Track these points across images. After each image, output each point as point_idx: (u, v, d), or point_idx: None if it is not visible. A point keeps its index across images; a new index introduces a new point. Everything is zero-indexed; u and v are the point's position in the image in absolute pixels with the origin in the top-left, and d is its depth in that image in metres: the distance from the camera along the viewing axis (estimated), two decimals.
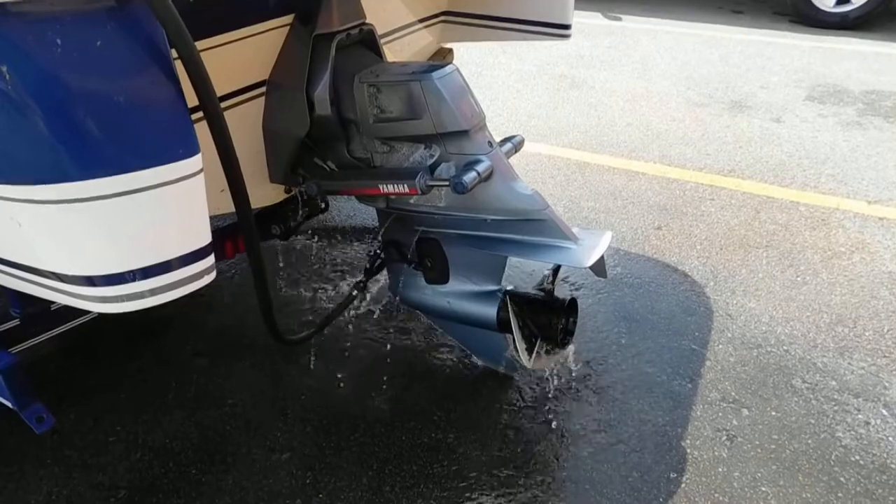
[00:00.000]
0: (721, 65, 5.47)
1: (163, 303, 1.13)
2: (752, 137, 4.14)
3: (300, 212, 2.25)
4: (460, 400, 2.16)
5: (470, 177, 1.73)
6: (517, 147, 2.06)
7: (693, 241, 3.06)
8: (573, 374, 2.26)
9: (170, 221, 1.11)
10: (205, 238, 1.16)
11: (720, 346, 2.41)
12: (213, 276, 1.19)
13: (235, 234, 2.17)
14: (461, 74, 1.87)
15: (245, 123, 1.92)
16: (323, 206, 2.32)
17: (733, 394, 2.20)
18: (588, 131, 4.25)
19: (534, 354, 1.97)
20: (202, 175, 1.12)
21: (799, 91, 4.89)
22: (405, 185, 1.82)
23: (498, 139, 2.01)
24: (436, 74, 1.78)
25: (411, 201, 1.96)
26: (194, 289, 1.16)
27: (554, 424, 2.09)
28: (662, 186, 3.56)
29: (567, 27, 2.75)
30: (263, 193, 2.11)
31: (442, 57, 2.97)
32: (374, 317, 2.53)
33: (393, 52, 2.50)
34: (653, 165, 3.79)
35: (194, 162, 1.11)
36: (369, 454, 1.96)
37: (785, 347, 2.41)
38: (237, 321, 2.50)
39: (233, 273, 2.80)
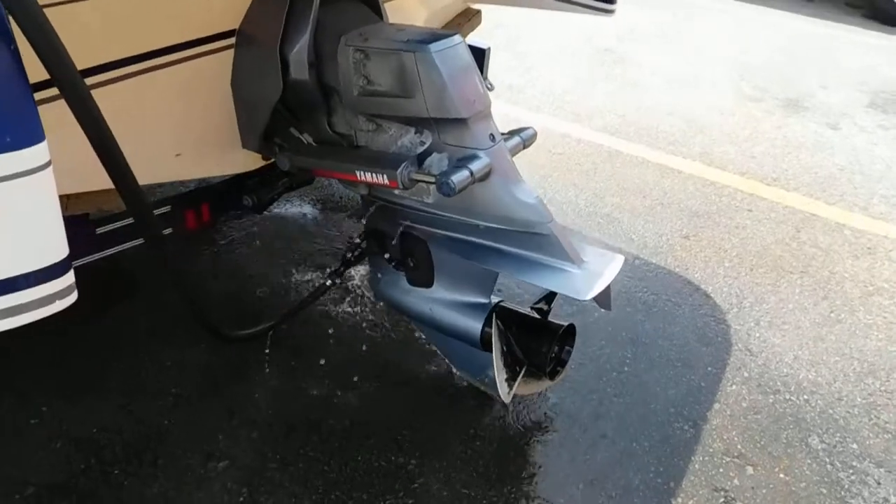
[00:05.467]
0: (781, 55, 5.02)
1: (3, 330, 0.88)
2: (803, 143, 3.76)
3: (278, 183, 1.99)
4: (432, 418, 1.92)
5: (460, 177, 1.45)
6: (527, 142, 1.75)
7: (722, 257, 2.75)
8: (562, 402, 2.00)
9: (5, 230, 0.85)
10: (60, 251, 0.90)
11: (733, 387, 2.13)
12: (73, 297, 0.94)
13: (199, 202, 1.92)
14: (468, 49, 1.56)
15: (212, 78, 1.65)
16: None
17: (739, 446, 1.93)
18: (626, 115, 3.90)
19: (514, 385, 1.71)
20: (50, 170, 0.86)
21: (861, 95, 4.45)
22: (385, 176, 1.55)
23: (507, 128, 1.72)
24: (435, 46, 1.48)
25: (396, 192, 1.68)
26: (48, 314, 0.91)
27: (530, 461, 1.84)
28: (698, 188, 3.23)
29: (612, 1, 2.40)
30: (235, 159, 1.86)
31: (467, 19, 2.63)
32: (350, 310, 2.28)
33: (406, 8, 2.18)
34: (691, 163, 3.45)
35: (35, 153, 0.84)
36: (317, 473, 1.73)
37: (805, 396, 2.13)
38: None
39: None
